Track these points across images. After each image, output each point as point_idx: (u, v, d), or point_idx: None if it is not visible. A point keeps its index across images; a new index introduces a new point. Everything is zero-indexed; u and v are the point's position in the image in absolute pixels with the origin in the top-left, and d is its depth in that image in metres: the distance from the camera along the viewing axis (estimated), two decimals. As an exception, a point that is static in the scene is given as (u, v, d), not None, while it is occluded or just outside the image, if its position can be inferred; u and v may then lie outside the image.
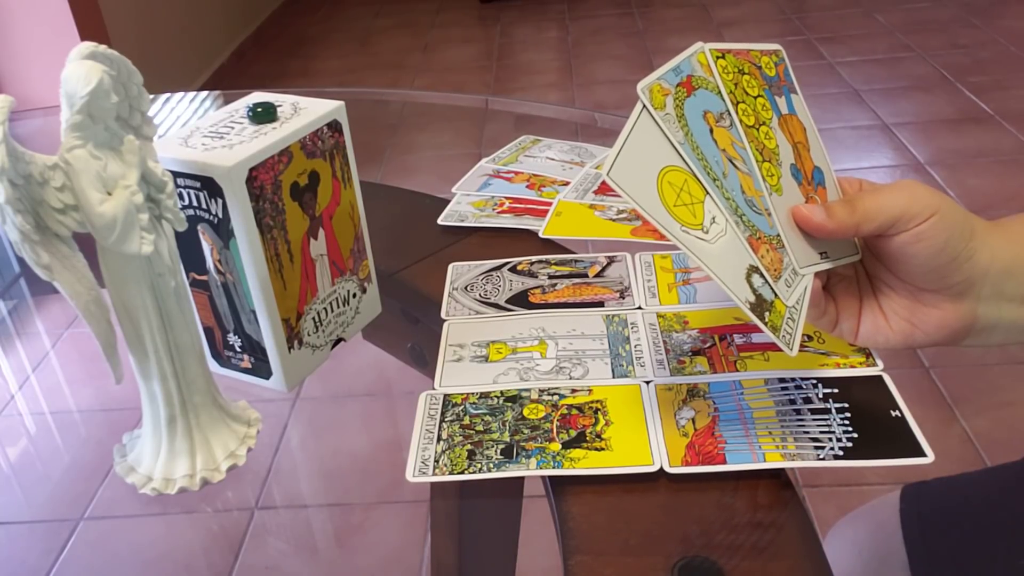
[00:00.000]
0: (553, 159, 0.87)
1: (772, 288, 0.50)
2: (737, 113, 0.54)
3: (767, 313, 0.50)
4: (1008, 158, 2.28)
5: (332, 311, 0.61)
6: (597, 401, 0.55)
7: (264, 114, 0.56)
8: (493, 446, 0.52)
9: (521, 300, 0.66)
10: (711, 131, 0.53)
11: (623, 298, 0.65)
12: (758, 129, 0.54)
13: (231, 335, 0.59)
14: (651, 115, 0.51)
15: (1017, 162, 2.26)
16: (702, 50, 0.53)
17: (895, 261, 0.50)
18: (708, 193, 0.51)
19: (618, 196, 0.77)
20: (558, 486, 0.50)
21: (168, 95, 1.17)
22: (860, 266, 0.53)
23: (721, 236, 0.51)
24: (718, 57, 0.54)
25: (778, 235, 0.52)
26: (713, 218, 0.51)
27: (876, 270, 0.52)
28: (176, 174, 0.53)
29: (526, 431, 0.53)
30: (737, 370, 0.57)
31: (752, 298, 0.50)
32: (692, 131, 0.52)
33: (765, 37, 3.37)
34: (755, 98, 0.55)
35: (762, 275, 0.50)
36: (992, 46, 3.03)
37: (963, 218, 0.48)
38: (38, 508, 0.60)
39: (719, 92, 0.54)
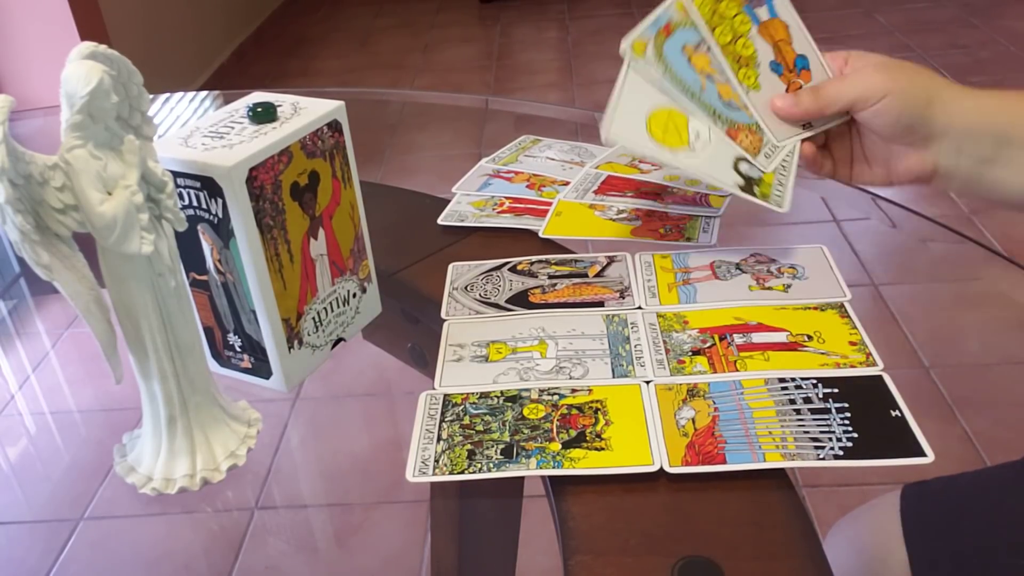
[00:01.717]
0: (553, 159, 0.87)
1: (758, 168, 0.63)
2: (714, 35, 0.64)
3: (756, 187, 0.62)
4: (1008, 158, 2.28)
5: (332, 311, 0.61)
6: (597, 401, 0.55)
7: (264, 114, 0.56)
8: (493, 446, 0.52)
9: (521, 300, 0.66)
10: (688, 59, 0.64)
11: (623, 298, 0.65)
12: (735, 42, 0.65)
13: (231, 335, 0.59)
14: (636, 71, 0.62)
15: (1017, 162, 2.26)
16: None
17: (864, 127, 0.64)
18: (689, 114, 0.63)
19: (619, 196, 0.77)
20: (558, 486, 0.50)
21: (168, 95, 1.17)
22: (853, 125, 0.66)
23: (707, 145, 0.63)
24: None
25: (756, 123, 0.65)
26: (697, 133, 0.63)
27: (860, 128, 0.65)
28: (176, 174, 0.53)
29: (526, 431, 0.53)
30: (737, 370, 0.57)
31: (741, 181, 0.62)
32: (671, 64, 0.63)
33: (765, 37, 3.37)
34: (733, 17, 0.65)
35: (748, 162, 0.63)
36: (992, 46, 3.02)
37: (918, 94, 0.61)
38: (38, 508, 0.60)
39: (695, 26, 0.64)
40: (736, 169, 0.62)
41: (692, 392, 0.55)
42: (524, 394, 0.56)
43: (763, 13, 0.66)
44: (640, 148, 0.62)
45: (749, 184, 0.62)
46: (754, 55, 0.65)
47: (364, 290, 0.64)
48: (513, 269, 0.70)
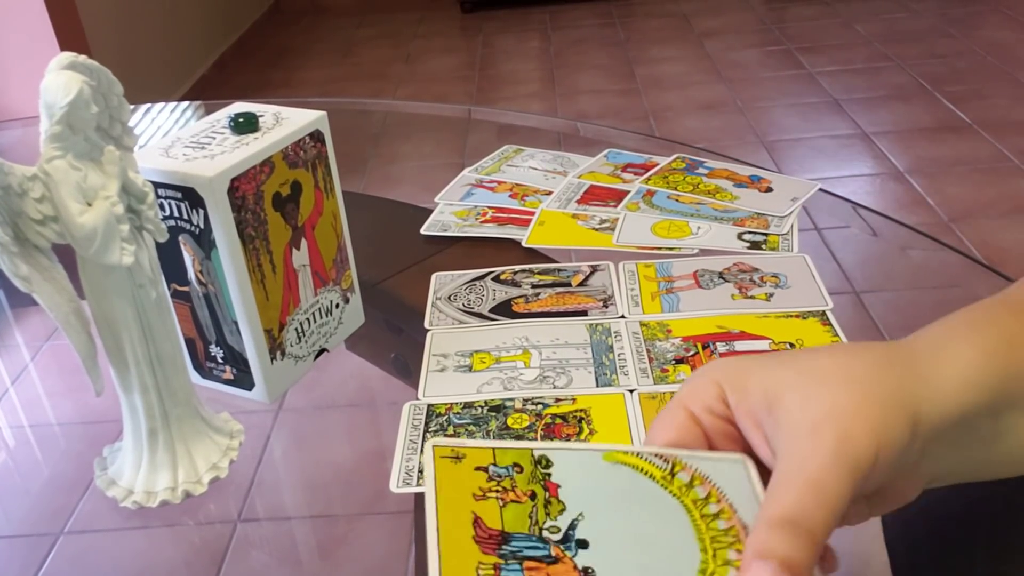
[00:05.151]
0: (536, 168, 0.87)
1: (761, 233, 0.72)
2: (678, 190, 0.78)
3: (763, 247, 0.70)
4: (986, 166, 2.31)
5: (315, 321, 0.61)
6: (581, 410, 0.55)
7: (246, 124, 0.56)
8: (477, 456, 0.52)
9: (504, 309, 0.66)
10: (677, 200, 0.77)
11: (606, 307, 0.65)
12: (696, 190, 0.78)
13: (213, 346, 0.59)
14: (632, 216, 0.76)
15: (995, 170, 2.28)
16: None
17: None
18: (690, 221, 0.74)
19: (601, 205, 0.77)
20: (542, 496, 0.50)
21: (149, 105, 1.17)
22: None
23: (708, 232, 0.72)
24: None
25: (755, 211, 0.74)
26: (699, 227, 0.73)
27: None
28: (157, 184, 0.53)
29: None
30: (720, 378, 0.57)
31: (747, 246, 0.71)
32: (664, 207, 0.76)
33: (746, 47, 3.40)
34: (684, 180, 0.78)
35: (751, 232, 0.72)
36: (969, 56, 3.06)
37: (903, 445, 0.37)
38: (17, 523, 0.59)
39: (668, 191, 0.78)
40: (740, 238, 0.71)
41: (676, 401, 0.55)
42: (508, 404, 0.56)
43: (702, 170, 0.81)
44: (646, 243, 0.71)
45: (756, 246, 0.70)
46: (717, 187, 0.77)
47: (347, 300, 0.64)
48: (496, 279, 0.70)
